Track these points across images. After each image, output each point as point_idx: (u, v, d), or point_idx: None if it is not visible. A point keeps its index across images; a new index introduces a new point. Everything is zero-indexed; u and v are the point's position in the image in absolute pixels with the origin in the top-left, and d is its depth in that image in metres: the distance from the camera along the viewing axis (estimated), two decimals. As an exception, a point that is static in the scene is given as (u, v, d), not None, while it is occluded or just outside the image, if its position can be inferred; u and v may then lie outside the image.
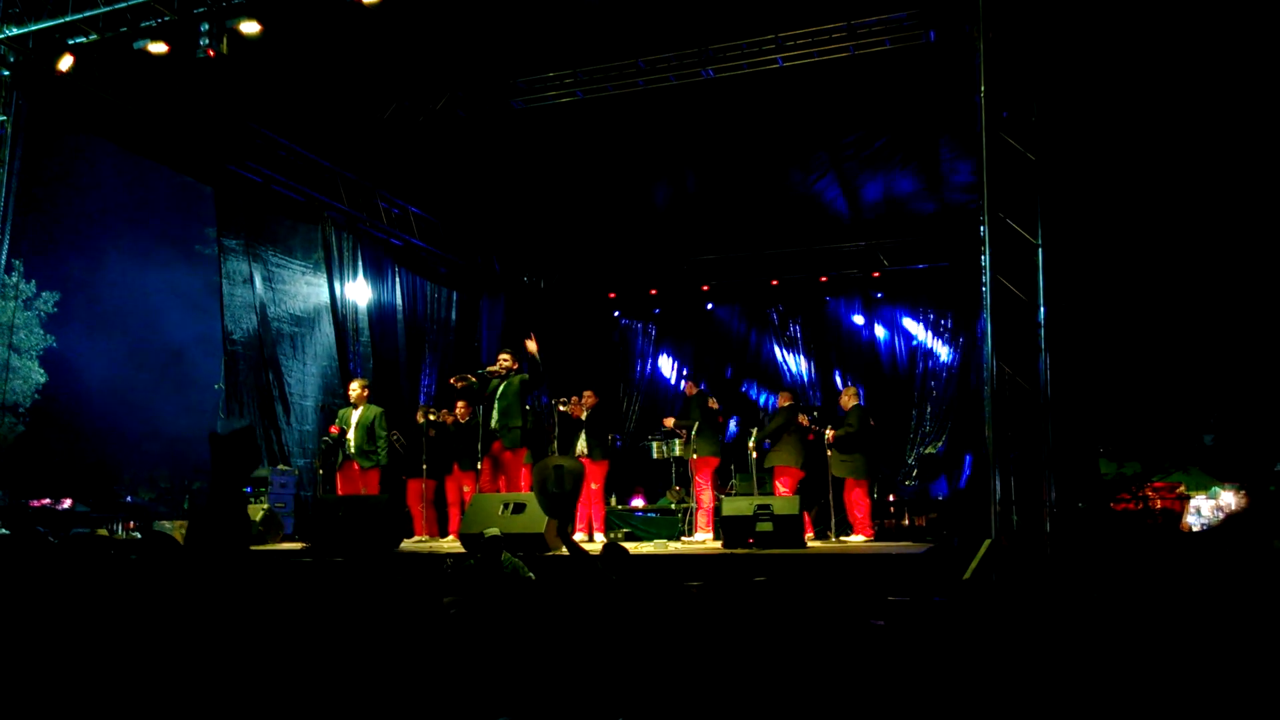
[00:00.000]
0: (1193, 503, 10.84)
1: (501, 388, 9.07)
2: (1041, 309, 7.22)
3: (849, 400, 9.78)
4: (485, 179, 12.97)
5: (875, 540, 9.38)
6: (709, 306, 15.75)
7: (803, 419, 9.78)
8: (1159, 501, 11.29)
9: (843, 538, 9.49)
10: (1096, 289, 10.34)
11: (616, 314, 16.63)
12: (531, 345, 8.78)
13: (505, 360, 9.22)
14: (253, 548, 8.89)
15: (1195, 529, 10.26)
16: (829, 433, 9.42)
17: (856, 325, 14.66)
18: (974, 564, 5.81)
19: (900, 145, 11.38)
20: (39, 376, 19.19)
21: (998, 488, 7.16)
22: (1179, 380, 12.01)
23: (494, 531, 6.03)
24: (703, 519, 9.65)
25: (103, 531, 10.71)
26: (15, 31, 8.99)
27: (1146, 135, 9.72)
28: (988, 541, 6.74)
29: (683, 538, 9.86)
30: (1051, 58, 7.77)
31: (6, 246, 9.26)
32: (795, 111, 10.73)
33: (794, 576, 6.13)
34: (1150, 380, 11.98)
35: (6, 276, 10.28)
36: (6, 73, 9.22)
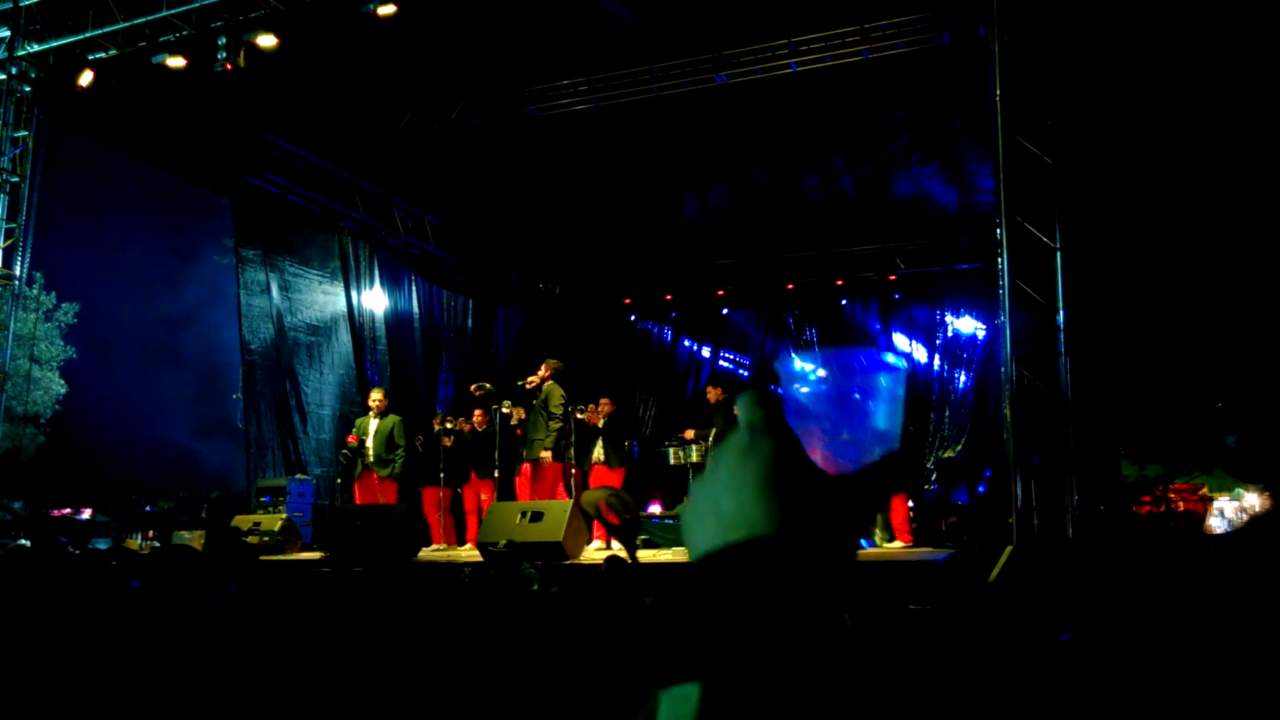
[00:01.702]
0: (1216, 504, 10.73)
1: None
2: (1061, 312, 7.16)
3: None
4: (500, 187, 13.00)
5: (908, 546, 9.29)
6: (725, 311, 15.73)
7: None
8: (1182, 504, 11.18)
9: (884, 544, 9.44)
10: (1115, 291, 10.25)
11: (633, 319, 16.63)
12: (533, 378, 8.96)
13: (541, 372, 9.24)
14: (272, 557, 8.93)
15: (1219, 531, 10.14)
16: None
17: (873, 329, 14.60)
18: (996, 571, 5.76)
19: (915, 148, 11.33)
20: (59, 387, 19.38)
21: (1019, 492, 7.10)
22: (1201, 381, 11.89)
23: (500, 545, 6.04)
24: None
25: (133, 544, 10.75)
26: (36, 48, 9.11)
27: (1164, 136, 9.64)
28: (1009, 548, 6.68)
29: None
30: (1067, 60, 7.71)
31: (28, 259, 9.37)
32: (809, 115, 10.71)
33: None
34: (1172, 381, 11.86)
35: (28, 289, 10.40)
36: (28, 88, 9.33)
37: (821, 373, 0.68)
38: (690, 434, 10.03)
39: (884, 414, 0.64)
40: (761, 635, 0.52)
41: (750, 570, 0.54)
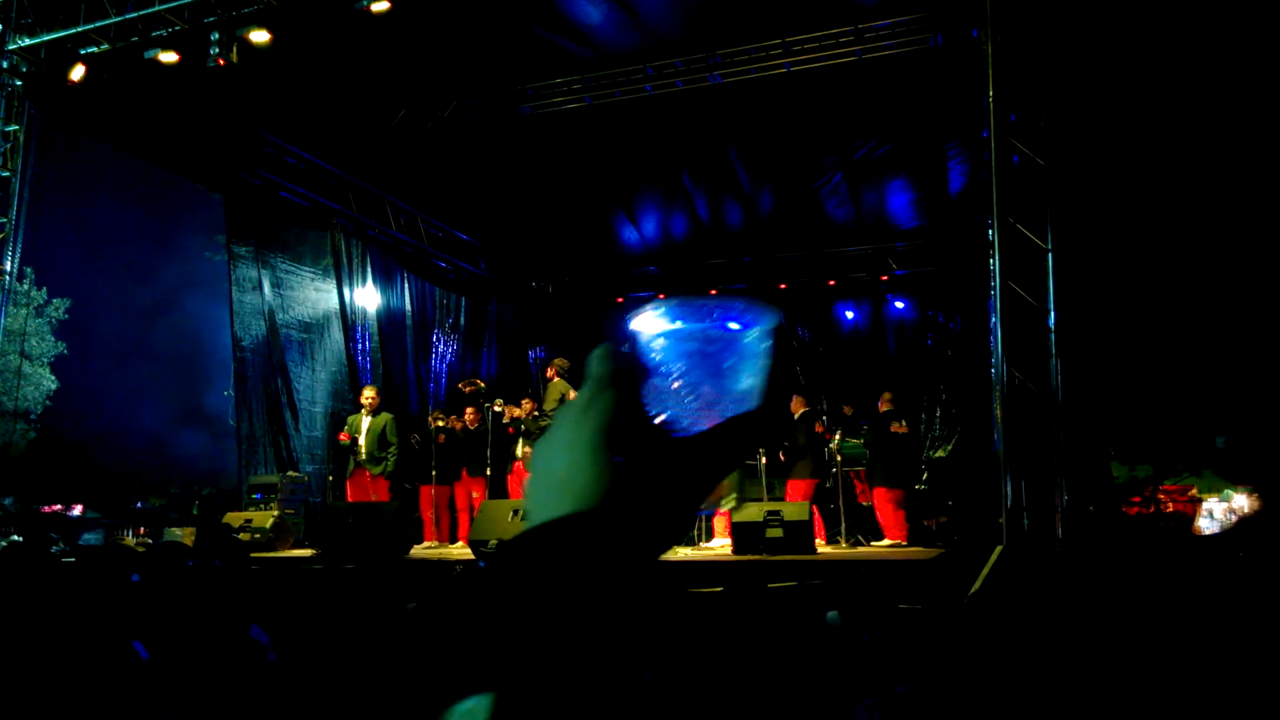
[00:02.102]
0: (1205, 505, 10.79)
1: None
2: (1052, 314, 7.19)
3: (797, 408, 9.71)
4: (493, 184, 13.00)
5: (896, 546, 9.33)
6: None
7: (818, 425, 9.75)
8: (1171, 505, 11.24)
9: (875, 542, 9.46)
10: (1106, 293, 10.30)
11: (625, 317, 16.62)
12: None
13: (549, 373, 9.26)
14: (263, 554, 8.92)
15: (1208, 532, 10.19)
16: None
17: (865, 329, 14.63)
18: (985, 572, 5.79)
19: (908, 149, 11.35)
20: (50, 383, 19.30)
21: (1009, 492, 7.13)
22: (1190, 383, 11.95)
23: (493, 545, 6.04)
24: (720, 524, 9.58)
25: (129, 541, 10.72)
26: (28, 42, 9.07)
27: (1156, 139, 9.69)
28: (999, 548, 6.72)
29: (702, 543, 9.81)
30: (1060, 61, 7.74)
31: (18, 254, 9.32)
32: (803, 116, 10.73)
33: (804, 583, 6.11)
34: (1161, 383, 11.92)
35: (18, 284, 10.35)
36: (19, 83, 9.29)
37: (676, 324, 0.61)
38: None
39: (745, 371, 0.59)
40: (567, 632, 0.47)
41: (565, 553, 0.49)
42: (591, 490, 0.53)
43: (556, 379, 9.20)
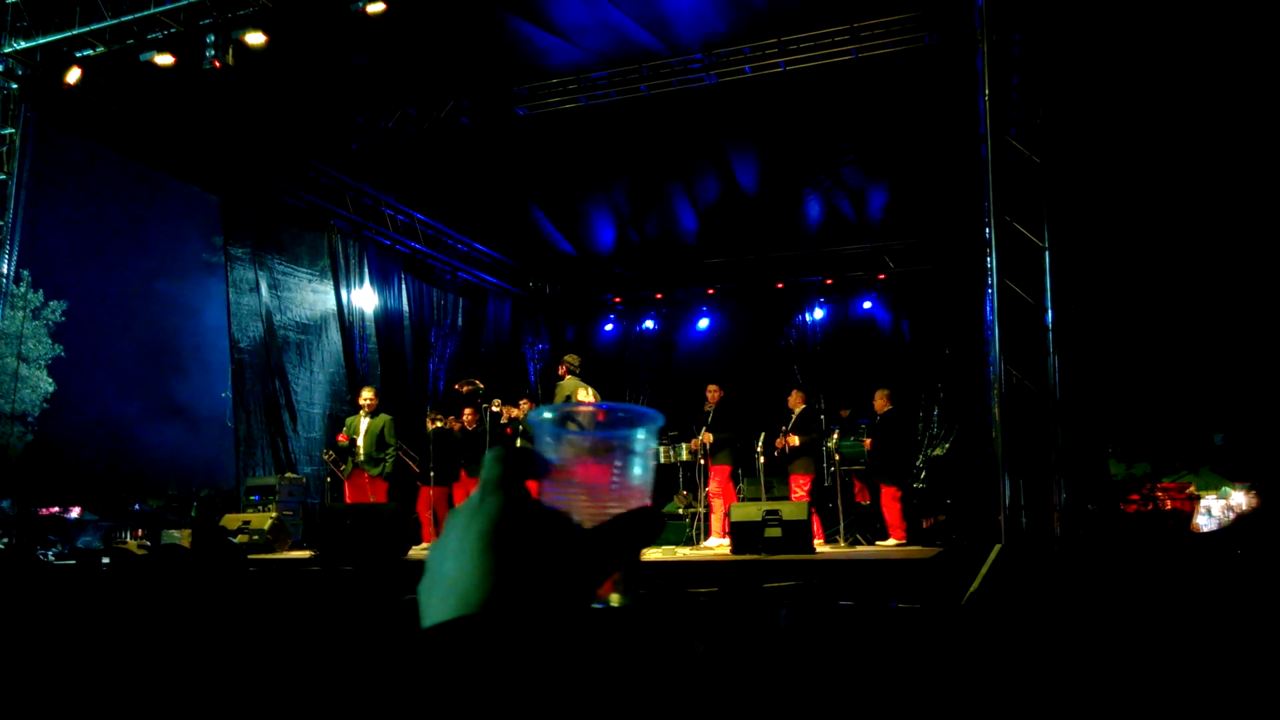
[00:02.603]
0: (1203, 503, 10.79)
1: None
2: (1049, 312, 7.20)
3: (797, 403, 9.74)
4: (490, 185, 12.99)
5: (901, 546, 9.33)
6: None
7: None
8: (1169, 502, 11.24)
9: (880, 542, 9.46)
10: (1103, 291, 10.31)
11: (622, 317, 16.63)
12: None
13: (560, 370, 9.21)
14: (261, 556, 8.91)
15: (1206, 530, 10.20)
16: (793, 439, 9.43)
17: (862, 328, 14.64)
18: (984, 570, 5.79)
19: (905, 147, 11.36)
20: (47, 385, 19.27)
21: (1007, 491, 7.13)
22: (1188, 380, 11.96)
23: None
24: (718, 523, 9.58)
25: (131, 544, 10.69)
26: (23, 45, 9.06)
27: (1152, 136, 9.69)
28: (998, 547, 6.72)
29: (703, 543, 9.81)
30: (1056, 60, 7.75)
31: (15, 256, 9.31)
32: (798, 114, 10.73)
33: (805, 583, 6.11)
34: (1159, 380, 11.93)
35: (15, 286, 10.33)
36: (15, 85, 9.28)
37: (570, 426, 0.63)
38: (709, 437, 9.78)
39: (632, 471, 0.61)
40: None
41: (456, 655, 0.48)
42: (476, 593, 0.53)
43: (567, 376, 9.16)
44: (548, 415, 0.62)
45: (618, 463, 0.61)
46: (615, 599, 0.60)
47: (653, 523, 0.59)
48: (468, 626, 0.51)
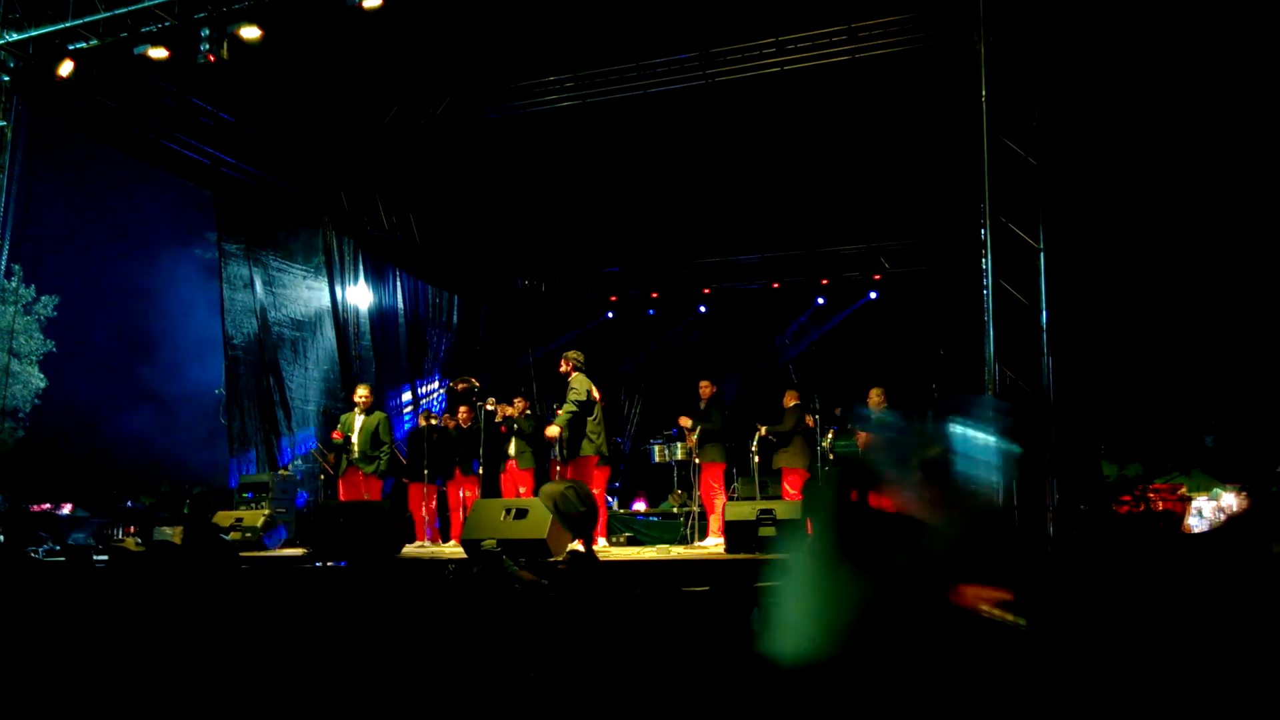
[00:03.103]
0: (1194, 504, 10.82)
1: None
2: (1044, 313, 7.21)
3: (789, 400, 9.78)
4: (486, 183, 12.97)
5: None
6: (705, 310, 15.75)
7: (809, 420, 9.76)
8: (1161, 503, 11.27)
9: None
10: (1097, 292, 10.33)
11: (617, 316, 16.62)
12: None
13: (563, 368, 9.07)
14: (253, 553, 8.88)
15: (1197, 530, 10.23)
16: (761, 430, 9.49)
17: (857, 328, 14.65)
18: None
19: (901, 147, 11.36)
20: (39, 381, 19.16)
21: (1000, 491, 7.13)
22: (1180, 381, 11.99)
23: (490, 544, 6.01)
24: (715, 523, 9.56)
25: (129, 542, 10.64)
26: (15, 37, 9.00)
27: (1147, 139, 9.71)
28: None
29: (697, 542, 9.80)
30: (1053, 61, 7.76)
31: (6, 251, 9.27)
32: (795, 115, 10.72)
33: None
34: (1151, 382, 11.96)
35: (6, 281, 10.28)
36: (7, 78, 9.22)
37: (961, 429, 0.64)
38: (686, 421, 9.90)
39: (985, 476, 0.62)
40: None
41: None
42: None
43: (575, 373, 9.03)
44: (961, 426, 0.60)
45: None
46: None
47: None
48: None
